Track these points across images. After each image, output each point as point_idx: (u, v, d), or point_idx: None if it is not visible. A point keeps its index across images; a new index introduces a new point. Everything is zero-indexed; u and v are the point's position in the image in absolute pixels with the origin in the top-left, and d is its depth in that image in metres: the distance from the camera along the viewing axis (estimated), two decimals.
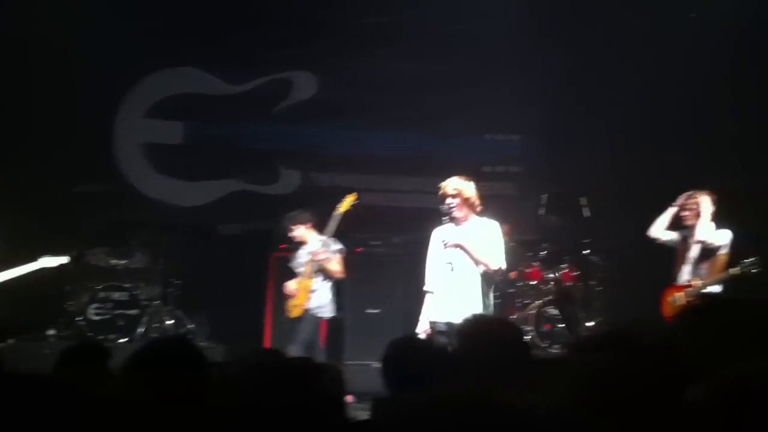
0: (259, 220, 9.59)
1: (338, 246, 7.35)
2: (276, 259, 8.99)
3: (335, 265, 7.29)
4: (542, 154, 9.88)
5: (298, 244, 7.43)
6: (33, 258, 6.57)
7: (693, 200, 6.34)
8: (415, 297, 8.80)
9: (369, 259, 8.90)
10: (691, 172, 7.81)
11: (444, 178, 9.67)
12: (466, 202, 5.74)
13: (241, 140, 9.99)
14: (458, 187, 5.75)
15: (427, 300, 5.92)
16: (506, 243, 8.68)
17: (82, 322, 7.84)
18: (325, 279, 7.29)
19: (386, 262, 9.00)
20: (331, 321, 7.45)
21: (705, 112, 8.29)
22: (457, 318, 5.33)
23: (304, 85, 10.13)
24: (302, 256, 7.38)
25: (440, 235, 5.84)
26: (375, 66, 10.02)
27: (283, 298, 8.62)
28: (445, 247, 5.72)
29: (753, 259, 6.15)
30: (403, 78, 10.02)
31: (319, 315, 7.26)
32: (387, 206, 9.93)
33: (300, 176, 10.01)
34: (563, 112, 9.68)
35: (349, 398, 4.37)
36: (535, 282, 8.33)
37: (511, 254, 8.47)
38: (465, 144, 10.23)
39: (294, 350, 6.65)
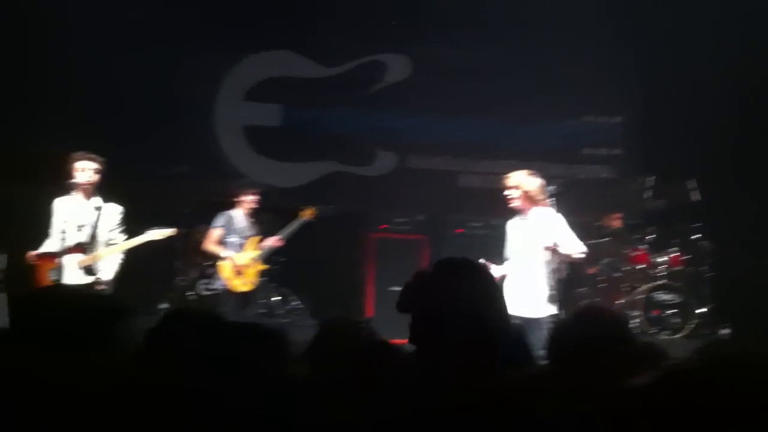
0: (356, 201, 9.65)
1: None
2: (374, 239, 9.06)
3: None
4: (645, 136, 9.67)
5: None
6: (140, 232, 6.59)
7: None
8: None
9: (470, 241, 8.87)
10: None
11: (541, 161, 9.77)
12: (526, 195, 5.87)
13: (336, 122, 10.04)
14: (518, 180, 5.91)
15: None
16: (614, 228, 8.63)
17: (193, 297, 8.02)
18: None
19: (486, 243, 8.94)
20: None
21: None
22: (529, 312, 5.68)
23: (399, 68, 10.12)
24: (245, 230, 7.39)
25: (512, 226, 6.09)
26: (465, 50, 9.97)
27: (384, 277, 8.71)
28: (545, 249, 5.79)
29: None
30: (494, 62, 9.95)
31: None
32: (485, 188, 9.88)
33: (396, 158, 10.02)
34: (665, 92, 9.46)
35: None
36: (642, 266, 8.15)
37: (619, 239, 8.41)
38: (561, 127, 10.12)
39: None
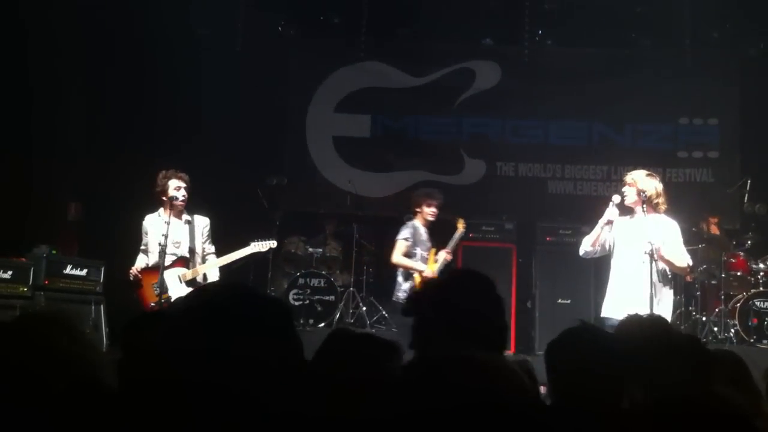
0: (446, 210, 9.65)
1: None
2: (462, 248, 9.03)
3: None
4: (743, 138, 9.32)
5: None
6: (245, 243, 6.70)
7: None
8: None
9: (559, 249, 8.72)
10: None
11: (632, 166, 9.53)
12: (640, 194, 5.66)
13: (425, 131, 10.12)
14: (635, 178, 5.74)
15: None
16: (711, 234, 8.34)
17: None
18: None
19: (576, 251, 8.77)
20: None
21: None
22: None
23: (487, 75, 10.10)
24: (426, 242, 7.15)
25: (621, 225, 5.79)
26: (554, 53, 9.87)
27: None
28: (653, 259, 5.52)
29: None
30: (585, 64, 9.81)
31: None
32: (575, 195, 9.75)
33: (485, 166, 10.00)
34: (764, 93, 9.11)
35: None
36: (740, 273, 7.86)
37: (715, 245, 8.13)
38: (655, 130, 9.86)
39: None
